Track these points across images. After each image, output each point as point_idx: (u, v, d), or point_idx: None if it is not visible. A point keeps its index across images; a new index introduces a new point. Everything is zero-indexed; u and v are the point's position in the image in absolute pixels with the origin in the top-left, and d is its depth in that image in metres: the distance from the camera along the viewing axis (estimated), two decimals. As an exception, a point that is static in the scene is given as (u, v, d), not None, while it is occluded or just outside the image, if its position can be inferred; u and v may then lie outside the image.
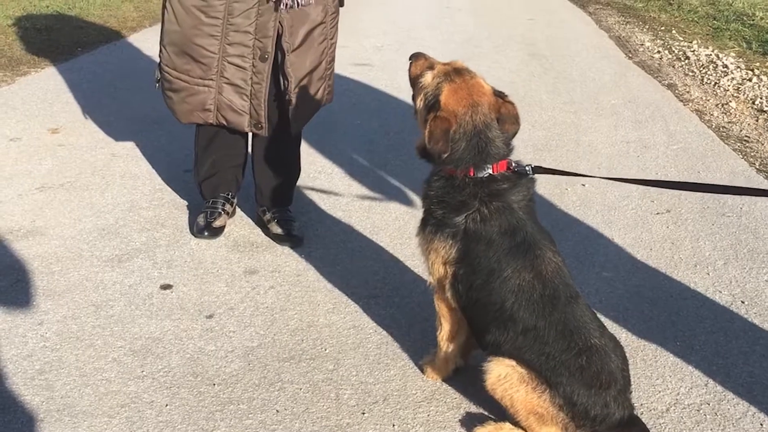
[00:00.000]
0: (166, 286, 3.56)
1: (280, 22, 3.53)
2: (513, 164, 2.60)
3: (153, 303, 3.42)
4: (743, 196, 4.60)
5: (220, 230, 4.04)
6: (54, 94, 6.10)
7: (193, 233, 4.03)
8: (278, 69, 3.68)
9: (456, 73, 2.55)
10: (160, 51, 3.68)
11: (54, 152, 4.97)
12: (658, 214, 4.44)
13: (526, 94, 6.74)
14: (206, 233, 3.99)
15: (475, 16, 10.78)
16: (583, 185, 4.77)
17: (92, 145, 5.12)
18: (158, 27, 8.70)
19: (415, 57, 2.77)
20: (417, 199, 4.31)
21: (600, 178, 3.09)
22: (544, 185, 4.66)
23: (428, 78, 2.59)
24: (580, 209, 4.47)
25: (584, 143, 5.56)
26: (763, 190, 2.43)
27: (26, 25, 8.30)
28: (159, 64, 3.73)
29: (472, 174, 2.53)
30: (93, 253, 3.82)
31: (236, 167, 4.10)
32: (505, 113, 2.57)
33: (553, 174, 2.85)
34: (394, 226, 4.22)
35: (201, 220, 4.03)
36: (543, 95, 6.76)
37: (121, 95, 6.17)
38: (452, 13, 10.87)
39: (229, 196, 4.11)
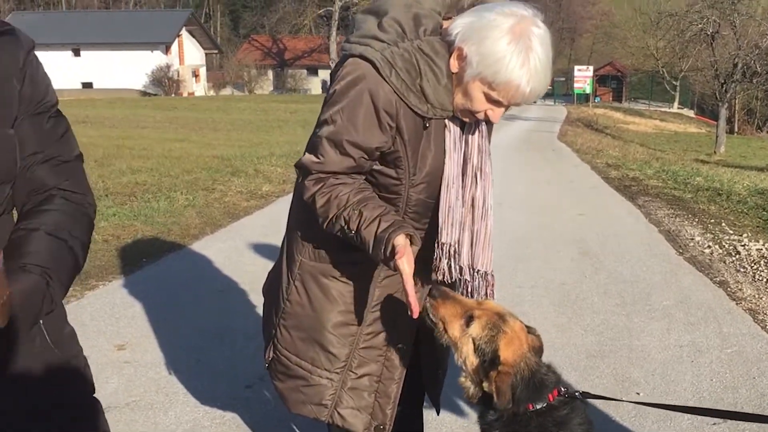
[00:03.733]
0: None
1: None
2: (563, 389, 2.68)
3: None
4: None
5: None
6: (121, 309, 6.37)
7: None
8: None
9: (502, 320, 2.61)
10: (278, 330, 3.07)
11: (120, 370, 5.15)
12: (714, 424, 4.41)
13: (578, 297, 6.84)
14: None
15: (527, 214, 11.06)
16: (638, 393, 4.80)
17: (156, 361, 5.30)
18: (220, 234, 9.27)
19: (442, 296, 2.69)
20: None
21: (643, 404, 3.14)
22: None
23: (477, 329, 2.59)
24: (636, 419, 4.47)
25: (637, 348, 5.59)
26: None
27: (95, 236, 8.73)
28: (273, 342, 3.11)
29: (531, 408, 2.58)
30: (156, 476, 3.93)
31: None
32: (536, 347, 2.65)
33: (600, 399, 2.92)
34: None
35: None
36: (594, 297, 6.84)
37: (185, 307, 6.43)
38: (503, 210, 11.12)
39: None
